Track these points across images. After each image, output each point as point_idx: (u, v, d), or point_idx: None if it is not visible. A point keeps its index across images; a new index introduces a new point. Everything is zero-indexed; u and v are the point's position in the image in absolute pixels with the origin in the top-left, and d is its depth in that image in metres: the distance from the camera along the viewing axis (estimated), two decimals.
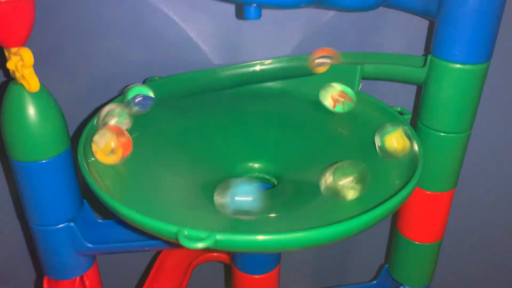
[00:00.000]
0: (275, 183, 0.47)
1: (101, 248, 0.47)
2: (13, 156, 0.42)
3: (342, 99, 0.51)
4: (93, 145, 0.42)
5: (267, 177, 0.48)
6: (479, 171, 0.67)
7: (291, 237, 0.32)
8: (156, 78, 0.56)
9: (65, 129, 0.43)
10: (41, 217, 0.45)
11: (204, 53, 0.57)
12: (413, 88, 0.60)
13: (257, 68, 0.56)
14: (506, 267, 0.77)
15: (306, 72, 0.54)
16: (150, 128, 0.49)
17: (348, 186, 0.38)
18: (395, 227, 0.58)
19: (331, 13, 0.56)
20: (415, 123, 0.51)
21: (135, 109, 0.47)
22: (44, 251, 0.47)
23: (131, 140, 0.43)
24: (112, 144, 0.41)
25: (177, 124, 0.50)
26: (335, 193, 0.39)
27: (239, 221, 0.37)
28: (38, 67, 0.39)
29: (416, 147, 0.43)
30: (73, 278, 0.49)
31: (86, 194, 0.46)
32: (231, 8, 0.55)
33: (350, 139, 0.49)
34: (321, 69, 0.53)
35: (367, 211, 0.35)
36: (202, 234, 0.32)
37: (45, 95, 0.41)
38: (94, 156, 0.42)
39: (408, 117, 0.51)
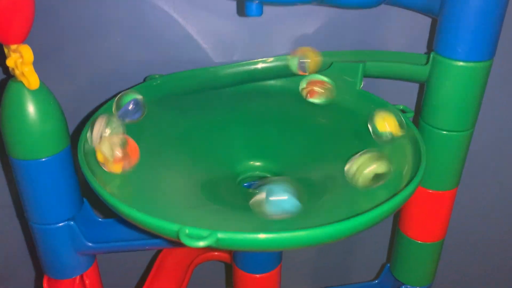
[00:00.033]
0: None
1: (101, 247, 0.47)
2: (13, 154, 0.42)
3: (319, 90, 0.51)
4: (99, 155, 0.40)
5: (268, 175, 0.48)
6: (481, 170, 0.67)
7: (292, 236, 0.32)
8: (157, 76, 0.55)
9: (65, 127, 0.43)
10: (40, 216, 0.45)
11: (205, 51, 0.57)
12: (416, 86, 0.60)
13: (258, 66, 0.56)
14: (508, 266, 0.77)
15: None
16: (150, 127, 0.48)
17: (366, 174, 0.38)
18: (397, 226, 0.58)
19: (333, 11, 0.55)
20: (418, 121, 0.51)
21: (127, 120, 0.46)
22: (44, 250, 0.47)
23: (137, 147, 0.42)
24: (120, 153, 0.39)
25: (178, 123, 0.50)
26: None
27: (240, 220, 0.37)
28: (38, 66, 0.39)
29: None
30: (73, 277, 0.49)
31: (86, 193, 0.45)
32: (231, 5, 0.54)
33: (352, 138, 0.48)
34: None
35: (369, 209, 0.34)
36: (204, 233, 0.32)
37: (44, 92, 0.40)
38: (94, 156, 0.41)
39: (410, 115, 0.51)
